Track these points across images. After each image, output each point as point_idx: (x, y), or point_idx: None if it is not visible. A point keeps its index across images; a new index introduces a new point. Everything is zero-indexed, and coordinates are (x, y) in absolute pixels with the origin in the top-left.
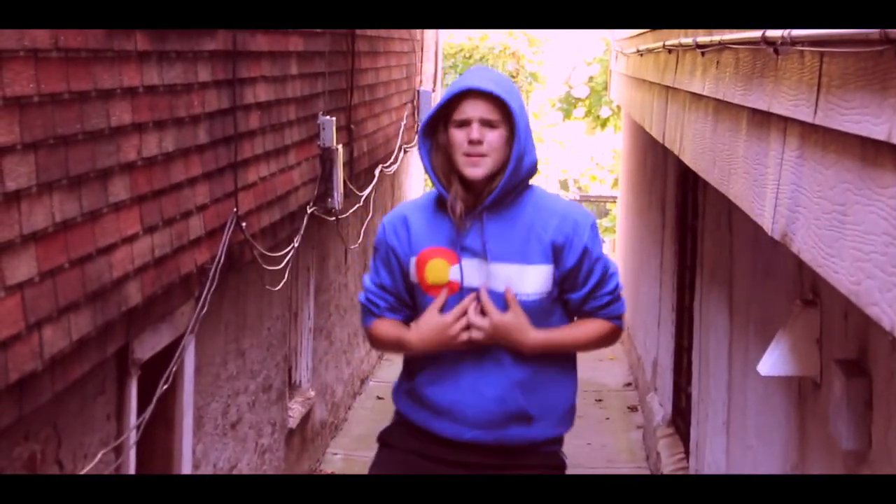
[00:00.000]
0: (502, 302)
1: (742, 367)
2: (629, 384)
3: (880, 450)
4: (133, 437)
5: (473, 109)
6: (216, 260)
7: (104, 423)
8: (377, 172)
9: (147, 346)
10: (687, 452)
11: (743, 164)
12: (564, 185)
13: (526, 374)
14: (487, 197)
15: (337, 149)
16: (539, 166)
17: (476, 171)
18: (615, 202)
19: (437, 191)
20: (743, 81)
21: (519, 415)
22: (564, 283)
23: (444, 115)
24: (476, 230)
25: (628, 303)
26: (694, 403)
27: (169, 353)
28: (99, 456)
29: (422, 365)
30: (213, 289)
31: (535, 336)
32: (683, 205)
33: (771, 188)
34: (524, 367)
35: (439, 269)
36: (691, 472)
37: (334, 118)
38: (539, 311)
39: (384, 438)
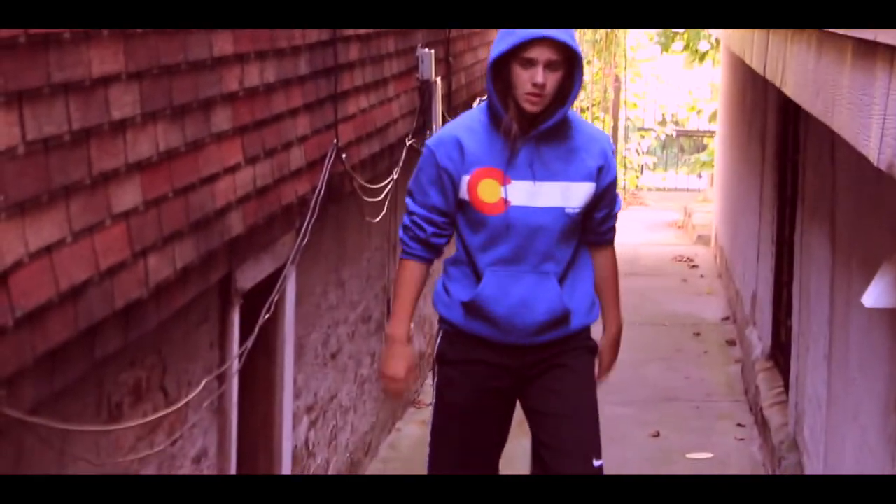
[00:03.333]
0: (551, 215)
1: (844, 300)
2: (727, 318)
3: None
4: (235, 365)
5: (541, 52)
6: (317, 191)
7: (207, 351)
8: (475, 105)
9: (249, 276)
10: (786, 386)
11: (848, 94)
12: (662, 121)
13: (565, 280)
14: (542, 124)
15: (436, 81)
16: (636, 100)
17: (535, 108)
18: (712, 136)
19: (483, 108)
20: None
21: (564, 316)
22: (597, 200)
23: (510, 50)
24: (527, 153)
25: (727, 237)
26: (794, 337)
27: (270, 283)
28: (203, 383)
29: (473, 277)
30: (313, 219)
31: (618, 324)
32: (784, 138)
33: (877, 119)
34: (562, 275)
35: (492, 188)
36: (790, 404)
37: (433, 51)
38: (575, 223)
39: (441, 356)
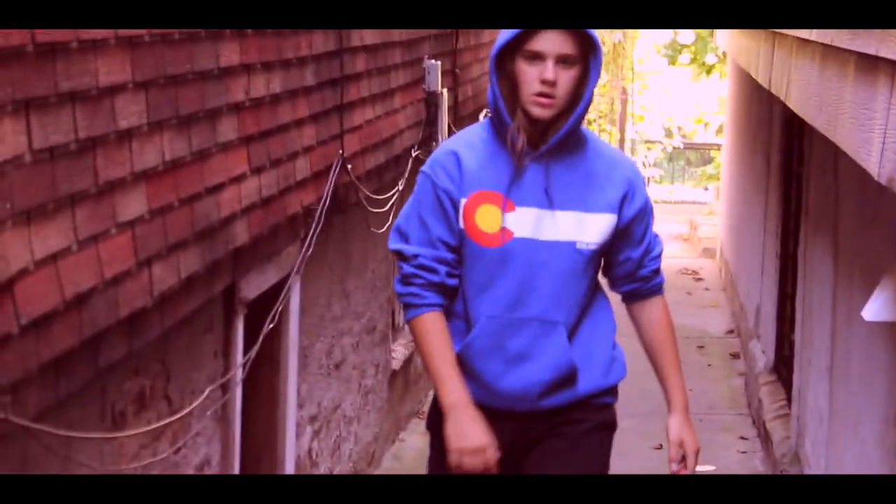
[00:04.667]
0: (560, 251)
1: (846, 313)
2: (731, 331)
3: None
4: (239, 374)
5: (551, 44)
6: (322, 201)
7: (212, 360)
8: (481, 117)
9: (253, 286)
10: (789, 399)
11: (850, 108)
12: (669, 133)
13: (577, 332)
14: (552, 137)
15: (442, 93)
16: (643, 112)
17: (544, 112)
18: (719, 149)
19: (486, 122)
20: None
21: (571, 375)
22: (622, 235)
23: (516, 44)
24: (535, 172)
25: (732, 250)
26: (797, 350)
27: (275, 292)
28: (206, 392)
29: (464, 328)
30: (318, 230)
31: (685, 397)
32: (788, 151)
33: (878, 133)
34: (574, 325)
35: (492, 216)
36: (793, 417)
37: (440, 62)
38: (590, 262)
39: (435, 428)
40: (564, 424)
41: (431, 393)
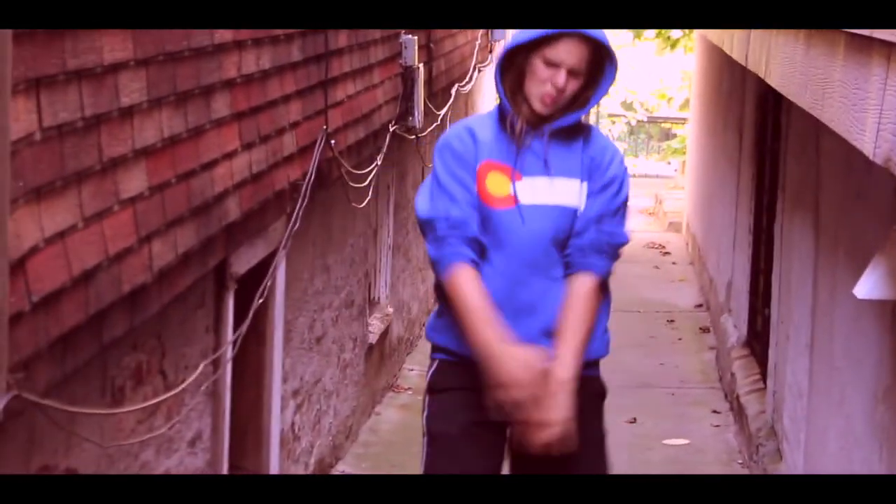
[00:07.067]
0: (564, 214)
1: (829, 289)
2: (700, 305)
3: None
4: (230, 351)
5: (568, 55)
6: (308, 176)
7: (203, 335)
8: (454, 91)
9: (243, 261)
10: (763, 374)
11: (840, 88)
12: (628, 107)
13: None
14: (555, 122)
15: (418, 68)
16: None
17: (547, 109)
18: (682, 124)
19: (495, 113)
20: None
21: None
22: (587, 202)
23: (533, 43)
24: (538, 148)
25: (700, 225)
26: (773, 325)
27: (261, 268)
28: (201, 367)
29: None
30: (304, 205)
31: (570, 370)
32: (762, 127)
33: (872, 113)
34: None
35: (501, 182)
36: (768, 392)
37: (416, 37)
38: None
39: (433, 385)
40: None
41: (427, 360)
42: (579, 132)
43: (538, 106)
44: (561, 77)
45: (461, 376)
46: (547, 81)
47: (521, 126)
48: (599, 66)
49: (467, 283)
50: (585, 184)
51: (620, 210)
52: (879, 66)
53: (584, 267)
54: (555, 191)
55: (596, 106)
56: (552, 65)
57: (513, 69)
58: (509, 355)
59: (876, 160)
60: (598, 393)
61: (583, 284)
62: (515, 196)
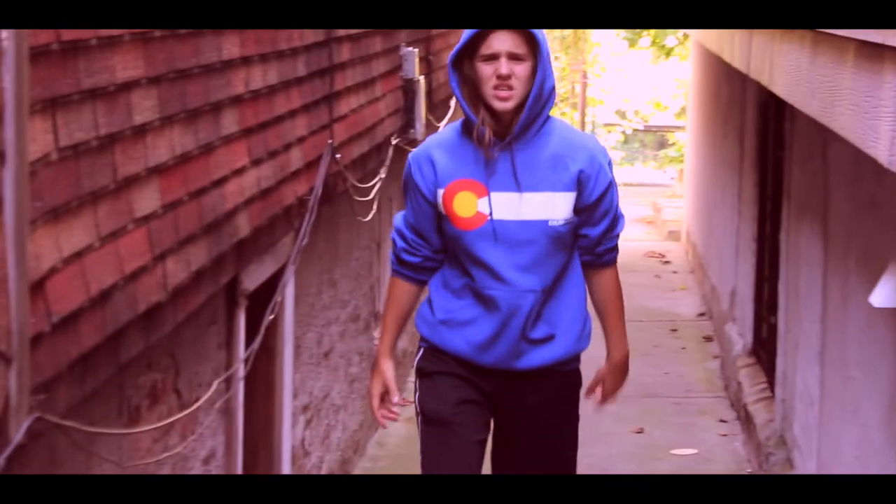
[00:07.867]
0: (535, 229)
1: (840, 298)
2: (702, 314)
3: None
4: (242, 369)
5: (501, 44)
6: (315, 191)
7: (216, 352)
8: (452, 103)
9: (253, 277)
10: (770, 382)
11: (850, 96)
12: (622, 115)
13: (550, 301)
14: (515, 125)
15: (419, 80)
16: (602, 94)
17: (505, 104)
18: (676, 132)
19: (460, 122)
20: None
21: (546, 338)
22: (582, 214)
23: (471, 49)
24: (504, 161)
25: (701, 233)
26: (780, 334)
27: (271, 283)
28: (214, 385)
29: (454, 295)
30: (312, 220)
31: (622, 351)
32: (764, 135)
33: (887, 121)
34: (548, 294)
35: (467, 202)
36: (777, 401)
37: (416, 49)
38: (564, 237)
39: (421, 370)
40: (540, 395)
41: (419, 356)
42: (548, 137)
43: (497, 104)
44: (503, 65)
45: (445, 364)
46: (492, 76)
47: (488, 136)
48: (536, 57)
49: (391, 294)
50: (570, 194)
51: (614, 200)
52: (893, 73)
53: (603, 264)
54: (526, 205)
55: (591, 116)
56: (491, 58)
57: (466, 81)
58: (380, 369)
59: (892, 168)
60: (575, 384)
61: (608, 279)
62: (483, 213)
